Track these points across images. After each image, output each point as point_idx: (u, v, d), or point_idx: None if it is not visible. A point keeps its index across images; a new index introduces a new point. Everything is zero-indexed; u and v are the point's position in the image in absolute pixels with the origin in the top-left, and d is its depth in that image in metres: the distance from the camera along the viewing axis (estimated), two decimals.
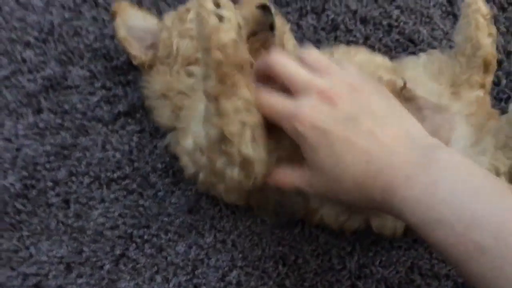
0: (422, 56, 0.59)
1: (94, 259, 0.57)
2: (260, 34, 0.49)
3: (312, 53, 0.44)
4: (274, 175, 0.44)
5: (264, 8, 0.49)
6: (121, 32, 0.56)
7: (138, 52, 0.56)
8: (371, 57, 0.57)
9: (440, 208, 0.35)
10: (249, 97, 0.40)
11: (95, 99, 0.63)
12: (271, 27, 0.49)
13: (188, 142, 0.50)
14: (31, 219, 0.59)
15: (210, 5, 0.38)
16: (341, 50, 0.56)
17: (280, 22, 0.56)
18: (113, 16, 0.57)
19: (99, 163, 0.60)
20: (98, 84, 0.64)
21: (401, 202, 0.37)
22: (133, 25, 0.57)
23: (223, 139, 0.41)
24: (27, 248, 0.58)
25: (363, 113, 0.40)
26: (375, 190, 0.39)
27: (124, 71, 0.64)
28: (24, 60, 0.65)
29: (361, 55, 0.55)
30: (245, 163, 0.42)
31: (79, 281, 0.56)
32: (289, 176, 0.43)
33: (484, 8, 0.55)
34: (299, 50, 0.44)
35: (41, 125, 0.62)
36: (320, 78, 0.41)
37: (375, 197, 0.39)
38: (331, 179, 0.40)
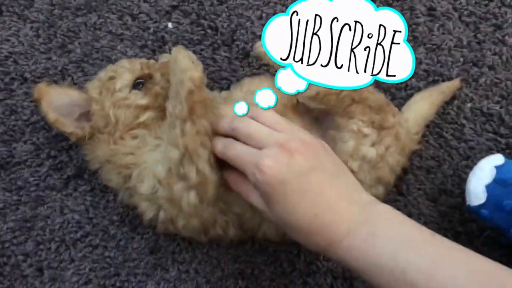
0: None
1: None
2: None
3: (266, 113, 0.51)
4: (241, 185, 0.51)
5: None
6: (51, 115, 0.57)
7: (72, 128, 0.58)
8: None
9: (380, 256, 0.42)
10: (208, 128, 0.50)
11: (44, 169, 0.68)
12: None
13: (145, 188, 0.54)
14: None
15: (184, 52, 0.51)
16: (248, 83, 0.63)
17: None
18: (36, 101, 0.58)
19: (61, 227, 0.66)
20: (44, 155, 0.69)
21: (345, 251, 0.44)
22: (59, 104, 0.58)
23: (183, 158, 0.49)
24: None
25: (316, 168, 0.46)
26: (321, 239, 0.45)
27: (65, 137, 0.69)
28: None
29: (266, 82, 0.62)
30: (201, 184, 0.50)
31: None
32: (252, 194, 0.49)
33: None
34: (253, 110, 0.52)
35: (0, 205, 0.67)
36: (278, 133, 0.48)
37: (320, 244, 0.46)
38: (281, 222, 0.47)
